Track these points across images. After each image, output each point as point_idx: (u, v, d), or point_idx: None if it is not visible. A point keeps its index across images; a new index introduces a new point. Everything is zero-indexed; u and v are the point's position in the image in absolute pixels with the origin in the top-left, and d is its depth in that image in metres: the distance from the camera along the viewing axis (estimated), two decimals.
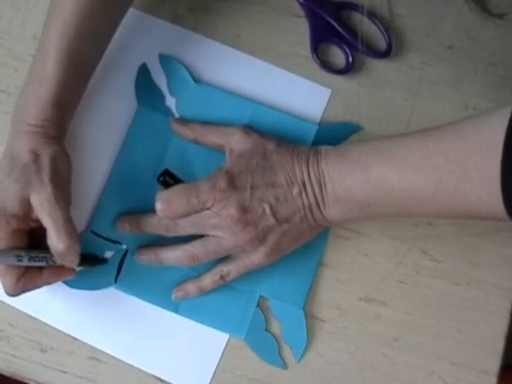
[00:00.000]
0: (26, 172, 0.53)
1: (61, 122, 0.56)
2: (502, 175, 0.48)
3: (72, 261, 0.54)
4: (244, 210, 0.55)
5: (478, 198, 0.50)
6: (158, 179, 0.59)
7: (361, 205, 0.55)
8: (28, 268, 0.54)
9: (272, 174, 0.56)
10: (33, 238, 0.55)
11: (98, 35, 0.58)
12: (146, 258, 0.59)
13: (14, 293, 0.54)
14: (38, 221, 0.54)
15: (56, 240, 0.53)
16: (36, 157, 0.54)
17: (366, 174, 0.54)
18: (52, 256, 0.54)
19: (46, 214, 0.53)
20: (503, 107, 0.50)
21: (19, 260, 0.53)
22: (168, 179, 0.59)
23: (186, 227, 0.56)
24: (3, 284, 0.54)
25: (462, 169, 0.50)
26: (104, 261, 0.59)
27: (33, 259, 0.54)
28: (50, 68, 0.55)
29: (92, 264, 0.59)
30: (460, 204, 0.52)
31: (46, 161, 0.54)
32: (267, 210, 0.55)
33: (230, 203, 0.55)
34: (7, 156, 0.55)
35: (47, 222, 0.53)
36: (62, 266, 0.55)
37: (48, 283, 0.56)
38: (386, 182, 0.54)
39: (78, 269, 0.57)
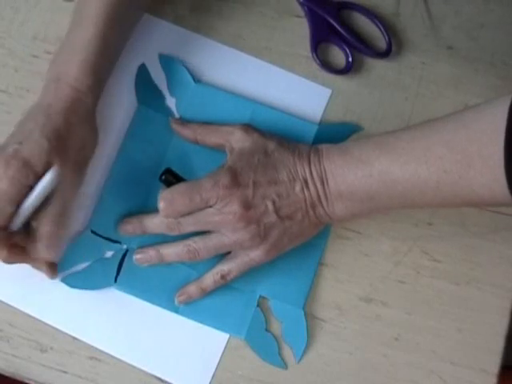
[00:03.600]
0: (57, 135, 0.53)
1: (98, 91, 0.57)
2: (505, 161, 0.49)
3: (51, 250, 0.54)
4: (247, 206, 0.55)
5: (482, 184, 0.51)
6: (160, 178, 0.59)
7: (364, 199, 0.56)
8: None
9: (274, 171, 0.56)
10: None
11: (133, 8, 0.60)
12: (147, 255, 0.59)
13: None
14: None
15: (51, 220, 0.53)
16: (69, 126, 0.54)
17: (368, 168, 0.54)
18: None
19: (57, 190, 0.53)
20: (504, 96, 0.50)
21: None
22: (170, 178, 0.59)
23: (188, 225, 0.56)
24: None
25: (465, 157, 0.51)
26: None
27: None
28: (91, 34, 0.56)
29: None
30: (464, 192, 0.52)
31: (77, 135, 0.55)
32: (270, 206, 0.55)
33: (233, 200, 0.55)
34: (42, 110, 0.54)
35: (54, 198, 0.53)
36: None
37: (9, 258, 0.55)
38: (389, 175, 0.54)
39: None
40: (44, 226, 0.53)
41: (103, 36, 0.56)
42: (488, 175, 0.50)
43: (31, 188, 0.53)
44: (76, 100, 0.55)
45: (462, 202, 0.54)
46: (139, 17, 0.63)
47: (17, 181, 0.52)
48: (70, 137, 0.54)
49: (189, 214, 0.56)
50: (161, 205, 0.55)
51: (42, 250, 0.54)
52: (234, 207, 0.55)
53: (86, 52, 0.56)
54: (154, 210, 0.56)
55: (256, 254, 0.57)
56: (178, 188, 0.56)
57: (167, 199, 0.55)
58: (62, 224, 0.54)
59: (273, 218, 0.56)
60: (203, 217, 0.56)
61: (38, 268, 0.57)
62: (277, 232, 0.56)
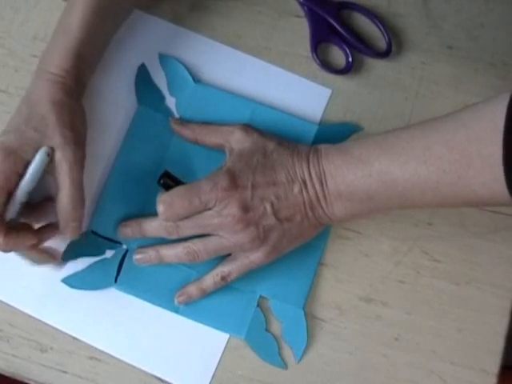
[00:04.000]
0: (45, 123, 0.54)
1: (81, 75, 0.57)
2: (504, 160, 0.49)
3: (75, 228, 0.54)
4: (246, 208, 0.55)
5: (482, 184, 0.51)
6: (159, 182, 0.59)
7: (364, 199, 0.56)
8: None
9: (273, 172, 0.56)
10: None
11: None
12: (147, 255, 0.59)
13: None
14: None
15: (68, 201, 0.53)
16: (55, 108, 0.54)
17: (367, 168, 0.54)
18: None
19: (63, 172, 0.53)
20: (502, 94, 0.50)
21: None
22: (168, 181, 0.59)
23: (187, 229, 0.56)
24: None
25: (464, 157, 0.51)
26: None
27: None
28: (75, 20, 0.56)
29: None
30: (464, 192, 0.52)
31: (65, 114, 0.55)
32: (268, 208, 0.55)
33: (232, 202, 0.55)
34: (26, 102, 0.55)
35: (63, 181, 0.53)
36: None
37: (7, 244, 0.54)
38: (389, 175, 0.54)
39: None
40: (62, 211, 0.53)
41: (88, 21, 0.56)
42: (487, 175, 0.50)
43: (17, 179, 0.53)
44: (55, 83, 0.55)
45: (462, 202, 0.54)
46: (130, 8, 0.63)
47: (3, 170, 0.52)
48: (57, 120, 0.54)
49: (188, 217, 0.56)
50: (160, 208, 0.55)
51: (66, 231, 0.54)
52: (233, 209, 0.55)
53: (69, 37, 0.56)
54: (154, 209, 0.56)
55: (256, 256, 0.57)
56: (177, 191, 0.56)
57: (166, 202, 0.55)
58: (80, 203, 0.54)
59: (272, 220, 0.56)
60: (202, 220, 0.56)
61: (36, 260, 0.57)
62: (276, 234, 0.56)
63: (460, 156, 0.51)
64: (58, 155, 0.53)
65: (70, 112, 0.55)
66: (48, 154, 0.53)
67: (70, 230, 0.54)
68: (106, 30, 0.60)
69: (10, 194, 0.53)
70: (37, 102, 0.55)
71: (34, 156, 0.53)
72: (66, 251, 0.59)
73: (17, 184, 0.53)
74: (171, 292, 0.59)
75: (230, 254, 0.58)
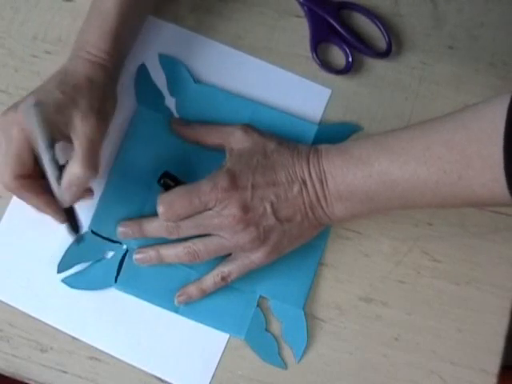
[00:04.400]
0: (76, 90, 0.54)
1: (118, 57, 0.58)
2: (504, 160, 0.49)
3: (74, 193, 0.53)
4: (246, 209, 0.55)
5: (482, 184, 0.50)
6: (159, 181, 0.59)
7: (364, 199, 0.56)
8: (30, 176, 0.54)
9: (273, 172, 0.56)
10: None
11: None
12: (147, 255, 0.59)
13: (6, 186, 0.53)
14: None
15: (80, 162, 0.52)
16: (90, 83, 0.55)
17: (367, 168, 0.54)
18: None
19: (82, 133, 0.53)
20: (502, 94, 0.50)
21: (49, 146, 0.52)
22: (168, 181, 0.59)
23: (188, 229, 0.56)
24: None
25: (464, 157, 0.51)
26: (77, 230, 0.58)
27: (53, 160, 0.52)
28: (111, 3, 0.57)
29: (69, 224, 0.57)
30: (464, 192, 0.52)
31: (97, 90, 0.55)
32: (268, 208, 0.55)
33: (232, 203, 0.55)
34: (62, 71, 0.56)
35: (80, 142, 0.53)
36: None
37: (37, 206, 0.55)
38: (389, 176, 0.54)
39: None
40: (74, 169, 0.53)
41: (123, 4, 0.57)
42: (487, 175, 0.50)
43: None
44: (94, 63, 0.56)
45: (462, 203, 0.54)
46: None
47: (24, 125, 0.52)
48: (88, 92, 0.54)
49: (188, 217, 0.56)
50: (160, 208, 0.55)
51: (68, 192, 0.54)
52: (233, 210, 0.55)
53: (107, 19, 0.57)
54: (154, 209, 0.56)
55: (256, 257, 0.57)
56: (177, 191, 0.56)
57: (166, 202, 0.55)
58: (93, 166, 0.53)
59: (271, 220, 0.56)
60: (202, 220, 0.56)
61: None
62: (276, 235, 0.56)
63: (460, 156, 0.51)
64: (80, 120, 0.53)
65: (104, 91, 0.56)
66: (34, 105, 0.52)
67: (68, 194, 0.53)
68: (139, 13, 0.61)
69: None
70: (72, 74, 0.55)
71: (56, 114, 0.52)
72: (63, 259, 0.59)
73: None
74: (171, 292, 0.59)
75: (230, 254, 0.58)
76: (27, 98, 0.53)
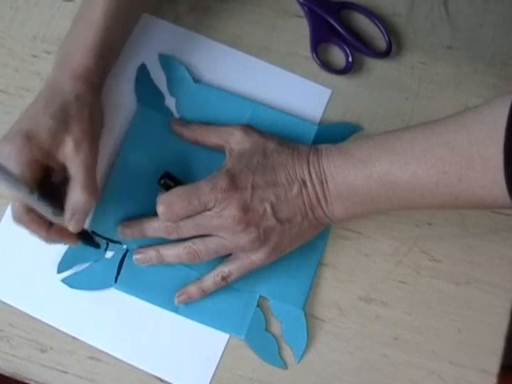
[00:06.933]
0: (65, 112, 0.54)
1: (103, 70, 0.58)
2: (505, 163, 0.48)
3: (79, 220, 0.54)
4: (245, 209, 0.55)
5: (482, 186, 0.50)
6: (159, 182, 0.59)
7: (364, 199, 0.56)
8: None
9: (273, 172, 0.56)
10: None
11: None
12: (147, 255, 0.59)
13: (16, 219, 0.54)
14: (48, 169, 0.54)
15: (80, 190, 0.52)
16: (78, 101, 0.55)
17: (368, 169, 0.54)
18: (60, 210, 0.53)
19: (78, 161, 0.53)
20: (504, 96, 0.50)
21: (29, 192, 0.51)
22: (168, 182, 0.59)
23: (187, 229, 0.56)
24: (12, 206, 0.54)
25: (465, 158, 0.50)
26: (97, 246, 0.59)
27: (42, 199, 0.52)
28: (98, 14, 0.56)
29: (86, 242, 0.58)
30: (464, 194, 0.52)
31: (86, 109, 0.55)
32: (268, 209, 0.55)
33: (232, 203, 0.55)
34: (47, 89, 0.55)
35: (77, 170, 0.53)
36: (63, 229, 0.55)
37: (48, 239, 0.55)
38: (389, 176, 0.54)
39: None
40: (77, 197, 0.53)
41: (111, 12, 0.57)
42: (488, 177, 0.50)
43: (42, 164, 0.53)
44: (79, 78, 0.56)
45: (462, 204, 0.54)
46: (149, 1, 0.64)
47: (21, 157, 0.52)
48: (77, 114, 0.54)
49: (188, 217, 0.56)
50: (160, 209, 0.55)
51: (73, 220, 0.54)
52: (233, 210, 0.55)
53: (92, 30, 0.56)
54: (154, 209, 0.56)
55: (257, 257, 0.57)
56: (177, 191, 0.56)
57: (166, 203, 0.55)
58: (93, 195, 0.54)
59: (272, 221, 0.56)
60: (202, 220, 0.56)
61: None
62: (276, 235, 0.56)
63: (461, 157, 0.51)
64: (74, 148, 0.53)
65: (91, 108, 0.56)
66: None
67: (73, 223, 0.54)
68: (126, 24, 0.60)
69: (37, 181, 0.53)
70: (59, 93, 0.55)
71: (51, 144, 0.52)
72: (63, 259, 0.59)
73: (39, 172, 0.53)
74: (171, 292, 0.59)
75: (230, 254, 0.58)
76: (16, 126, 0.53)
